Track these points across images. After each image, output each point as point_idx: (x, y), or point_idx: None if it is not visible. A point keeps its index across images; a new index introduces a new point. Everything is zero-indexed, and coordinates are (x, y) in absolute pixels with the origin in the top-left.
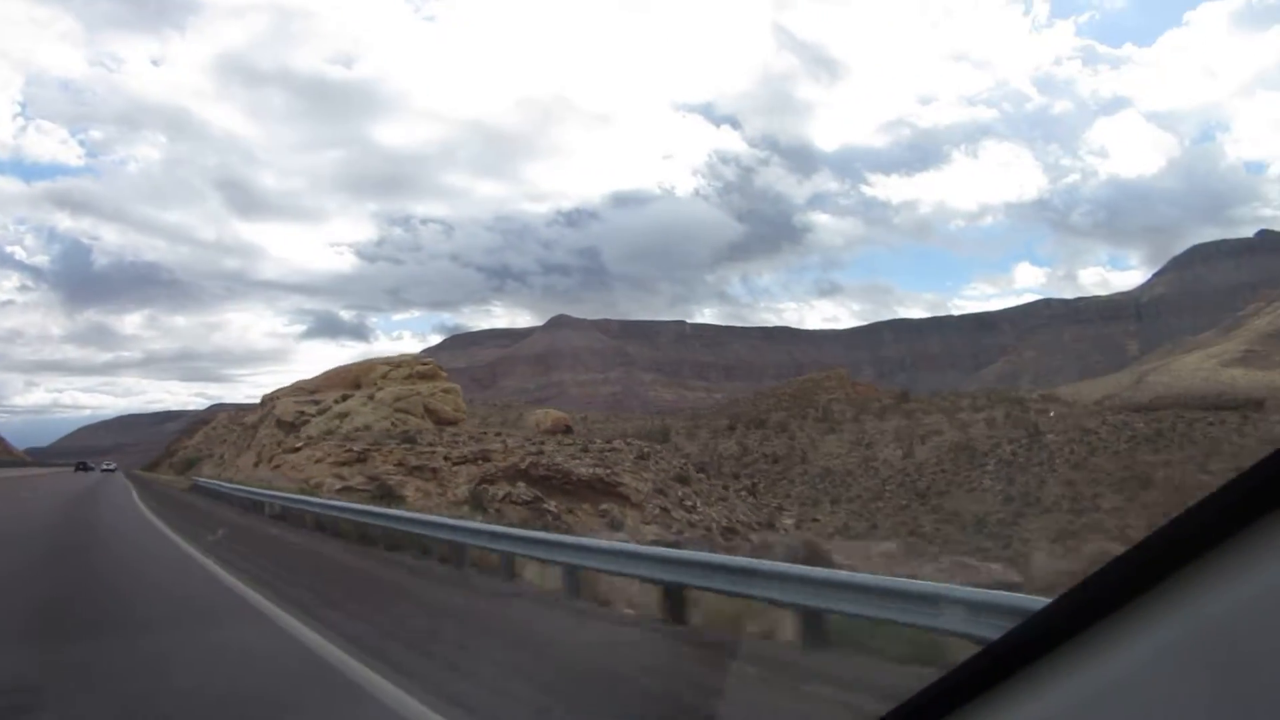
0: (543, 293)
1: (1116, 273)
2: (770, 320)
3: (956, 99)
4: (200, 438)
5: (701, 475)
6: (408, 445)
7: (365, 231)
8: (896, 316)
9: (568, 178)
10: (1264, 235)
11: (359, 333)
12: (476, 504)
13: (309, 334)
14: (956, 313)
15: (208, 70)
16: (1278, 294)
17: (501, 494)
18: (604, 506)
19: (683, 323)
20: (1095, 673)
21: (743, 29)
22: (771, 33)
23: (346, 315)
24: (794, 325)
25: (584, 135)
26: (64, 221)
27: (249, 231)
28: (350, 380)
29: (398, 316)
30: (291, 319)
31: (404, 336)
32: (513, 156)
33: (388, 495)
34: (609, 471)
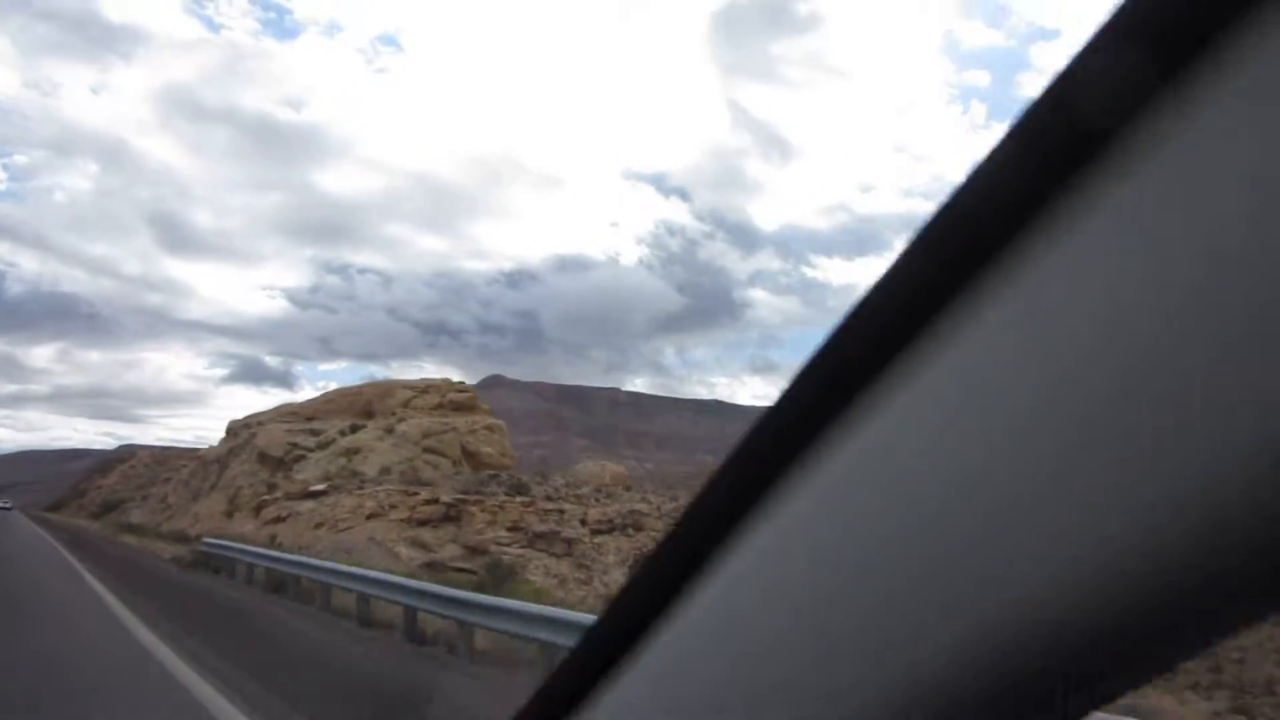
0: (477, 352)
1: None
2: (701, 393)
3: (895, 190)
4: (117, 477)
5: None
6: (524, 500)
7: (300, 277)
8: None
9: (511, 238)
10: None
11: (284, 380)
12: None
13: (230, 379)
14: None
15: (151, 101)
16: None
17: None
18: None
19: (616, 390)
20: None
21: (699, 103)
22: (727, 109)
23: (272, 361)
24: (725, 399)
25: (531, 196)
26: None
27: (177, 269)
28: (360, 407)
29: (324, 366)
30: (213, 361)
31: (330, 387)
32: (457, 212)
33: (505, 579)
34: None
